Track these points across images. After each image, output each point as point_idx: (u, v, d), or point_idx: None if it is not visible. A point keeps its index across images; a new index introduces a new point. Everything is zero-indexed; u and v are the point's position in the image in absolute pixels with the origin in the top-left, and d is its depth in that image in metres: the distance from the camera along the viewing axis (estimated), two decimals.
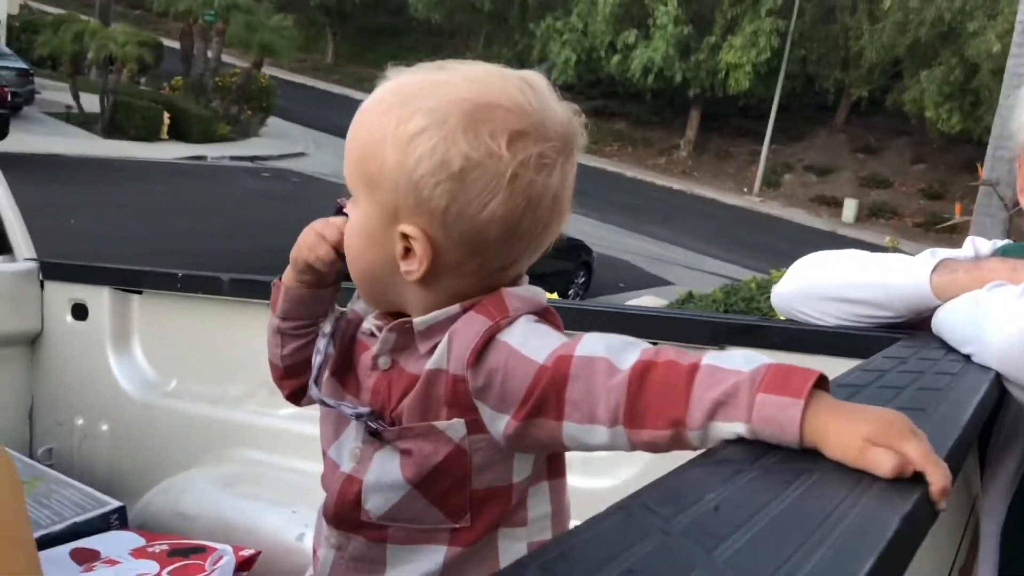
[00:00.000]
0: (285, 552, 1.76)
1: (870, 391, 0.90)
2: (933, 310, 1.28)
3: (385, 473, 0.90)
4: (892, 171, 26.75)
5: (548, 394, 0.79)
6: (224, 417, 2.15)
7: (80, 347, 2.35)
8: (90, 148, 17.34)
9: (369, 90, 0.90)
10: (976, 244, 1.44)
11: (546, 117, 0.85)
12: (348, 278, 0.97)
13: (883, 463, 0.62)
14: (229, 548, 1.70)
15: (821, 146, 28.10)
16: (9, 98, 14.26)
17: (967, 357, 1.15)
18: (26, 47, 20.61)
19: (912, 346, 1.22)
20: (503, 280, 0.88)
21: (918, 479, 0.62)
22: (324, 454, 1.00)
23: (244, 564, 1.69)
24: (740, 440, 0.69)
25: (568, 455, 0.94)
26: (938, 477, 0.62)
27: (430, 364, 0.86)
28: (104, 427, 2.33)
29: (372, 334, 0.94)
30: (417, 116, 0.82)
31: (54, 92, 19.92)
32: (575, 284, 12.09)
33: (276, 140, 22.24)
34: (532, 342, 0.82)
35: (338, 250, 0.95)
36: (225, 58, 23.50)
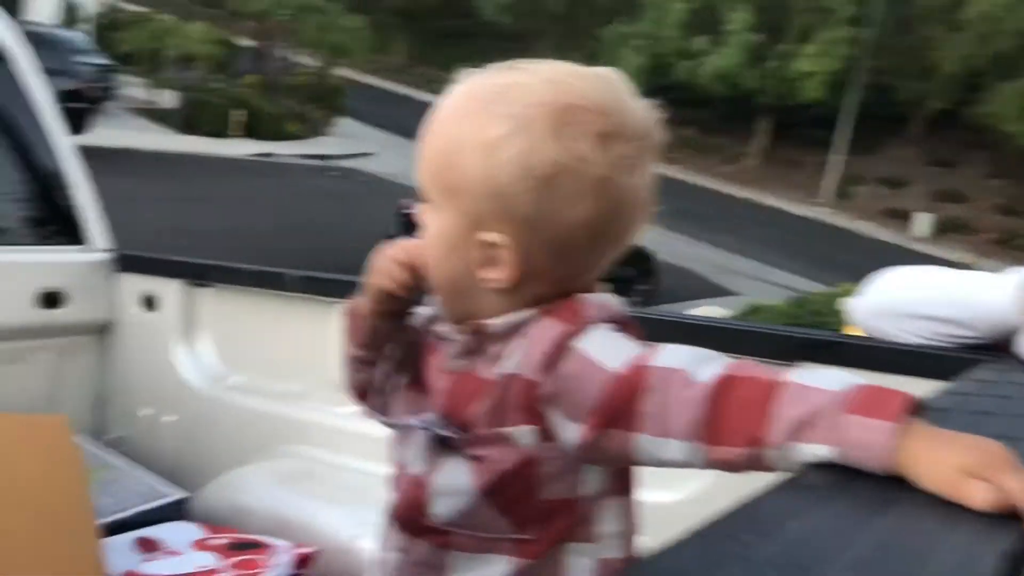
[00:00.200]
0: (339, 551, 1.76)
1: (959, 416, 0.86)
2: (1015, 331, 1.23)
3: (453, 478, 0.88)
4: (968, 185, 26.01)
5: (622, 404, 0.76)
6: (285, 413, 2.17)
7: (149, 338, 2.39)
8: (165, 143, 17.76)
9: (438, 92, 0.88)
10: None
11: (627, 116, 0.83)
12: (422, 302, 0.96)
13: (980, 497, 0.58)
14: (288, 545, 1.70)
15: (894, 158, 27.46)
16: (93, 94, 14.67)
17: None
18: (107, 44, 21.21)
19: (999, 368, 1.17)
20: (579, 285, 0.86)
21: (1018, 515, 0.58)
22: (392, 454, 0.99)
23: (303, 562, 1.69)
24: (825, 464, 0.66)
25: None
26: None
27: (503, 369, 0.85)
28: (168, 418, 2.36)
29: (442, 337, 0.93)
30: (499, 121, 0.80)
31: (132, 88, 20.46)
32: (638, 291, 11.99)
33: (344, 140, 22.51)
34: (608, 350, 0.79)
35: (414, 272, 0.93)
36: (297, 58, 23.88)
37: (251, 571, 1.63)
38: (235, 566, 1.64)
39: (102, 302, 2.41)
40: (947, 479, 0.60)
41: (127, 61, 21.54)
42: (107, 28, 23.04)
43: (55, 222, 2.35)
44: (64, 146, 2.33)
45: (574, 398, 0.79)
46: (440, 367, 0.92)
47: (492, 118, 0.81)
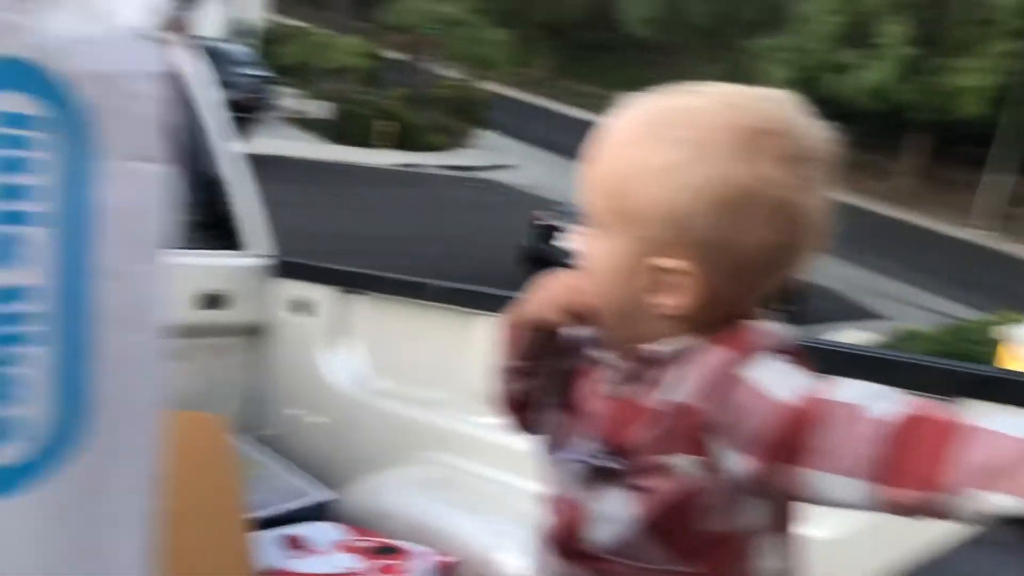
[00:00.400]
0: (475, 561, 1.77)
1: None
2: None
3: (611, 506, 0.86)
4: None
5: (792, 438, 0.73)
6: (427, 420, 2.20)
7: (299, 341, 2.48)
8: (317, 152, 18.48)
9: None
10: None
11: (807, 138, 0.80)
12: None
13: None
14: (430, 552, 1.73)
15: None
16: (253, 104, 15.45)
17: None
18: (268, 57, 22.26)
19: None
20: (742, 310, 0.84)
21: None
22: (545, 474, 0.98)
23: (444, 570, 1.71)
24: (1014, 519, 0.61)
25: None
26: None
27: (666, 396, 0.83)
28: (314, 419, 2.44)
29: (600, 361, 0.92)
30: (680, 146, 0.79)
31: (286, 99, 21.39)
32: (782, 312, 11.61)
33: (487, 151, 22.84)
34: (778, 381, 0.77)
35: (578, 309, 0.91)
36: (443, 71, 24.42)
37: None
38: (378, 570, 1.68)
39: (258, 305, 2.51)
40: None
41: (284, 73, 22.56)
42: (268, 42, 24.19)
43: (218, 228, 2.47)
44: (230, 155, 2.45)
45: (741, 429, 0.77)
46: (597, 391, 0.91)
47: (672, 143, 0.79)
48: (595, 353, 0.93)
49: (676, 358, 0.83)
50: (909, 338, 7.17)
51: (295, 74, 22.00)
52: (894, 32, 24.19)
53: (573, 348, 0.98)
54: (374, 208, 14.17)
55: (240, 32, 20.92)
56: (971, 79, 23.69)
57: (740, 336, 0.82)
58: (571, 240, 0.93)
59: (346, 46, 20.69)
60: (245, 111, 14.11)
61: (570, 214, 9.11)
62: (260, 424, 2.53)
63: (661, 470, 0.83)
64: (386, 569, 1.67)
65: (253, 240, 2.50)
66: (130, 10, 0.98)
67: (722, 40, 29.37)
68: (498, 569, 1.64)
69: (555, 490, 0.96)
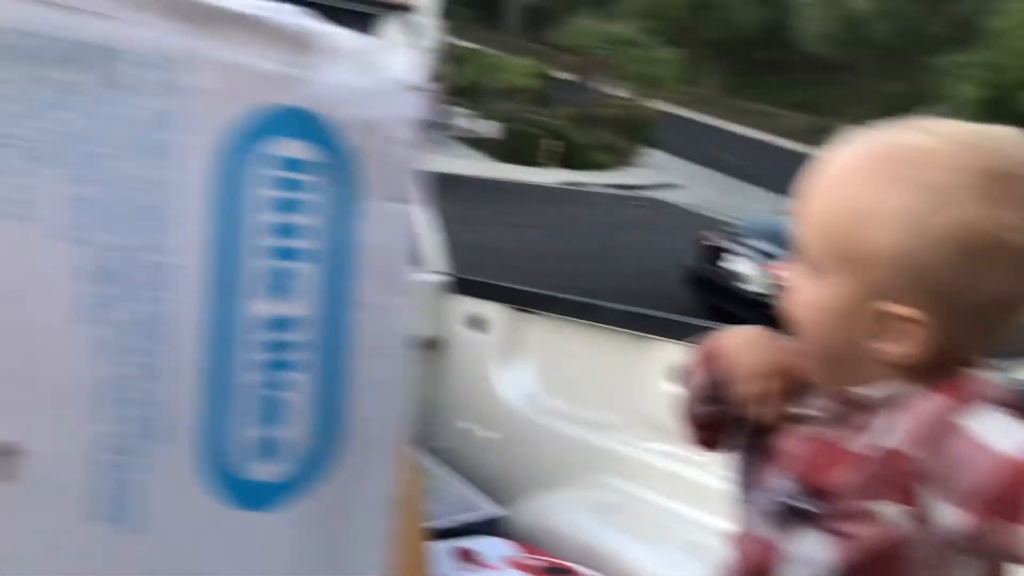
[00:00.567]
0: None
1: None
2: None
3: (808, 548, 0.83)
4: None
5: (1013, 493, 0.69)
6: (596, 442, 2.20)
7: (472, 357, 2.54)
8: (484, 170, 18.89)
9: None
10: None
11: None
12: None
13: None
14: None
15: None
16: (430, 124, 15.99)
17: None
18: (443, 78, 22.93)
19: None
20: (966, 358, 0.79)
21: None
22: (736, 508, 0.96)
23: None
24: None
25: None
26: None
27: (876, 441, 0.79)
28: (485, 434, 2.49)
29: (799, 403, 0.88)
30: (914, 189, 0.75)
31: (459, 118, 21.99)
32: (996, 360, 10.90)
33: (652, 170, 22.69)
34: (1000, 433, 0.72)
35: (785, 382, 0.88)
36: (610, 90, 24.46)
37: None
38: None
39: (435, 320, 2.59)
40: None
41: (457, 93, 23.20)
42: (443, 63, 24.92)
43: None
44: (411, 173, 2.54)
45: (957, 481, 0.72)
46: (796, 431, 0.88)
47: (906, 185, 0.75)
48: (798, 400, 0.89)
49: (889, 403, 0.80)
50: None
51: (467, 94, 22.58)
52: None
53: None
54: (540, 225, 14.33)
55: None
56: None
57: (960, 384, 0.77)
58: (776, 277, 0.90)
59: (517, 67, 21.10)
60: (424, 131, 14.58)
61: (737, 235, 8.89)
62: (433, 436, 2.60)
63: (864, 516, 0.79)
64: None
65: (431, 256, 2.58)
66: (398, 62, 1.07)
67: (904, 57, 28.06)
68: None
69: (744, 527, 0.93)
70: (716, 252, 8.81)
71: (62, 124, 0.86)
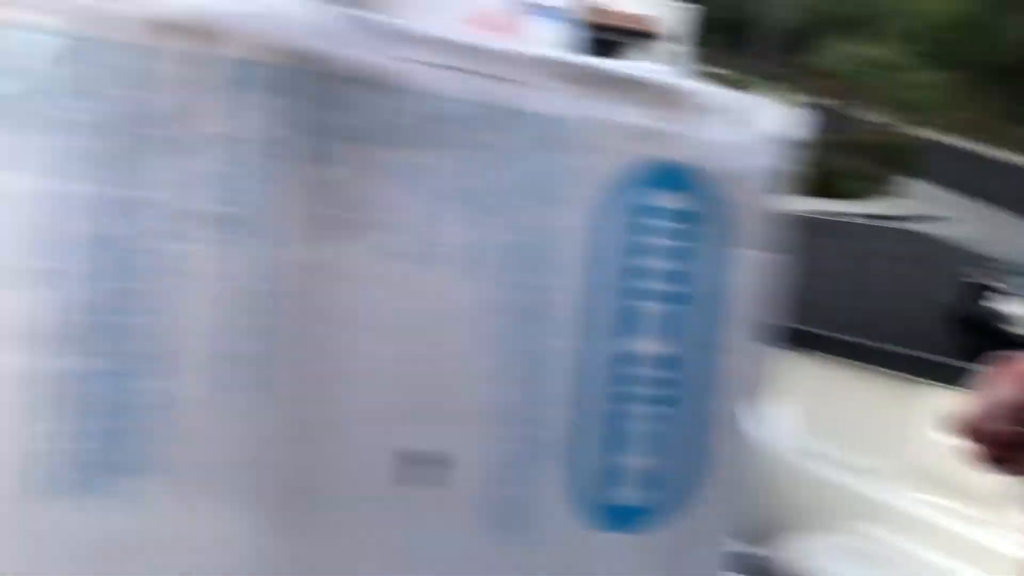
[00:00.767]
0: None
1: None
2: None
3: None
4: None
5: None
6: (860, 489, 2.17)
7: None
8: None
9: None
10: None
11: None
12: None
13: None
14: None
15: None
16: None
17: None
18: None
19: None
20: None
21: None
22: None
23: None
24: None
25: None
26: None
27: None
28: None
29: None
30: None
31: None
32: None
33: (914, 201, 21.38)
34: None
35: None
36: (866, 115, 23.29)
37: None
38: None
39: None
40: None
41: None
42: None
43: None
44: None
45: None
46: None
47: None
48: None
49: None
50: None
51: None
52: None
53: None
54: (793, 257, 13.88)
55: None
56: None
57: None
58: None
59: (768, 93, 20.63)
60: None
61: (1004, 272, 8.21)
62: None
63: None
64: None
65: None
66: (765, 117, 1.15)
67: None
68: None
69: None
70: (980, 290, 8.19)
71: (493, 179, 1.00)
